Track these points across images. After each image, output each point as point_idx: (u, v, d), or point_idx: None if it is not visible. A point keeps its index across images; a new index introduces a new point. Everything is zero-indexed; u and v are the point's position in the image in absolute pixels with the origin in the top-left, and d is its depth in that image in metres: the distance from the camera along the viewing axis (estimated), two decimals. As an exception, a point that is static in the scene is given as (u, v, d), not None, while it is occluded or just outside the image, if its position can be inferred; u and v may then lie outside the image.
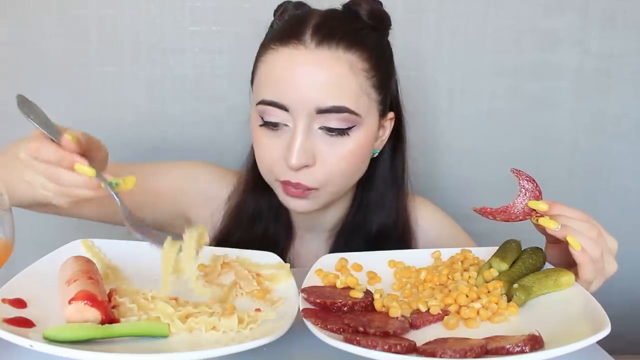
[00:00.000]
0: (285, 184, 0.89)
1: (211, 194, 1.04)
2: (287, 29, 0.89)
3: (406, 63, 1.36)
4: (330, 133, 0.87)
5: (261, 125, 0.89)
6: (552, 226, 0.75)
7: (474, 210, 0.79)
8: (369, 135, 0.91)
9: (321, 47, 0.85)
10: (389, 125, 0.97)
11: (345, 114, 0.86)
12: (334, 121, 0.86)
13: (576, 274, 0.74)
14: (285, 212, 1.02)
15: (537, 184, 0.78)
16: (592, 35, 1.41)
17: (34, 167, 0.70)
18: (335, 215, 1.02)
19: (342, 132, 0.87)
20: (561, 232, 0.74)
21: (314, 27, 0.87)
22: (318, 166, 0.88)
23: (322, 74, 0.85)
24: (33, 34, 1.33)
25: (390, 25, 0.98)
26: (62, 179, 0.69)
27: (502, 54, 1.41)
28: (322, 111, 0.85)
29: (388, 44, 0.97)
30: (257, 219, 1.01)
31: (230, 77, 1.35)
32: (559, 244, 0.78)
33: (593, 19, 1.40)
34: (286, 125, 0.87)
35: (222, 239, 1.01)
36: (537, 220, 0.77)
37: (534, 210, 0.77)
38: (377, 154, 0.97)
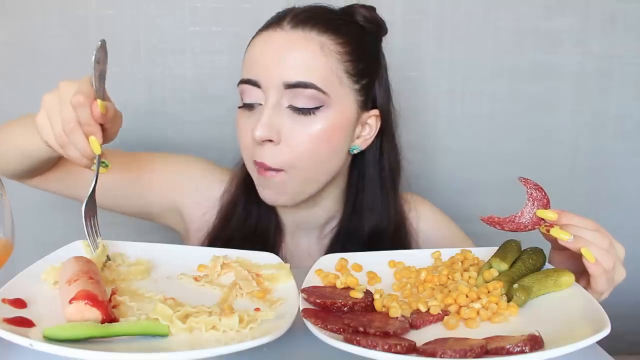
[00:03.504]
0: (255, 165, 0.91)
1: (205, 192, 1.05)
2: (273, 18, 0.93)
3: (406, 64, 1.37)
4: (297, 111, 0.88)
5: (240, 107, 0.93)
6: (564, 237, 0.74)
7: (481, 220, 0.79)
8: (339, 120, 0.90)
9: (295, 29, 0.89)
10: (374, 124, 0.96)
11: (312, 91, 0.87)
12: (302, 99, 0.87)
13: (586, 283, 0.75)
14: (273, 210, 1.02)
15: (545, 193, 0.77)
16: (593, 36, 1.41)
17: (56, 111, 0.75)
18: (322, 214, 1.02)
19: (308, 111, 0.88)
20: (574, 243, 0.73)
21: (294, 13, 0.91)
22: (282, 145, 0.88)
23: (292, 52, 0.88)
24: (33, 34, 1.33)
25: (386, 32, 0.99)
26: (75, 135, 0.75)
27: (502, 55, 1.41)
28: (289, 86, 0.87)
29: (375, 44, 0.98)
30: (248, 216, 1.01)
31: (230, 77, 1.35)
32: (564, 250, 0.77)
33: (594, 20, 1.40)
34: (260, 104, 0.90)
35: (215, 236, 1.02)
36: (546, 230, 0.76)
37: (543, 219, 0.77)
38: (356, 150, 0.96)
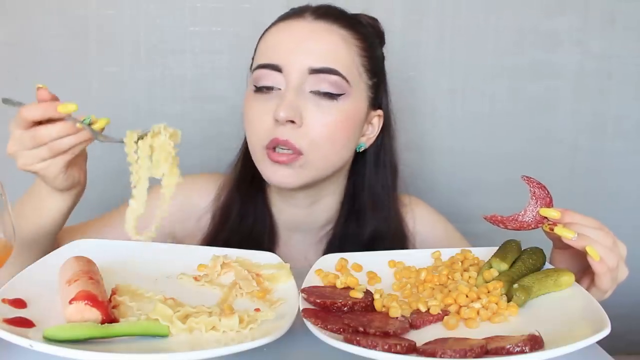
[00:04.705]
0: (272, 148, 0.88)
1: (196, 205, 1.03)
2: (291, 11, 0.95)
3: (407, 64, 1.37)
4: (320, 96, 0.89)
5: (255, 92, 0.91)
6: (568, 235, 0.73)
7: (484, 218, 0.79)
8: (355, 112, 0.92)
9: (318, 21, 0.91)
10: (377, 123, 0.98)
11: (336, 77, 0.89)
12: (325, 84, 0.88)
13: (590, 281, 0.75)
14: (268, 212, 1.01)
15: (548, 191, 0.77)
16: (593, 36, 1.41)
17: (18, 144, 0.73)
18: (322, 214, 1.02)
19: (331, 96, 0.89)
20: (578, 241, 0.73)
21: (314, 7, 0.94)
22: (304, 128, 0.88)
23: (316, 40, 0.90)
24: (33, 34, 1.33)
25: (384, 43, 1.01)
26: (40, 135, 0.72)
27: (502, 55, 1.41)
28: (314, 71, 0.88)
29: (381, 49, 1.00)
30: (244, 216, 1.01)
31: (230, 77, 1.35)
32: (567, 249, 0.77)
33: (593, 20, 1.40)
34: (279, 88, 0.90)
35: (210, 239, 1.01)
36: (550, 228, 0.76)
37: (546, 217, 0.76)
38: (362, 148, 0.98)
